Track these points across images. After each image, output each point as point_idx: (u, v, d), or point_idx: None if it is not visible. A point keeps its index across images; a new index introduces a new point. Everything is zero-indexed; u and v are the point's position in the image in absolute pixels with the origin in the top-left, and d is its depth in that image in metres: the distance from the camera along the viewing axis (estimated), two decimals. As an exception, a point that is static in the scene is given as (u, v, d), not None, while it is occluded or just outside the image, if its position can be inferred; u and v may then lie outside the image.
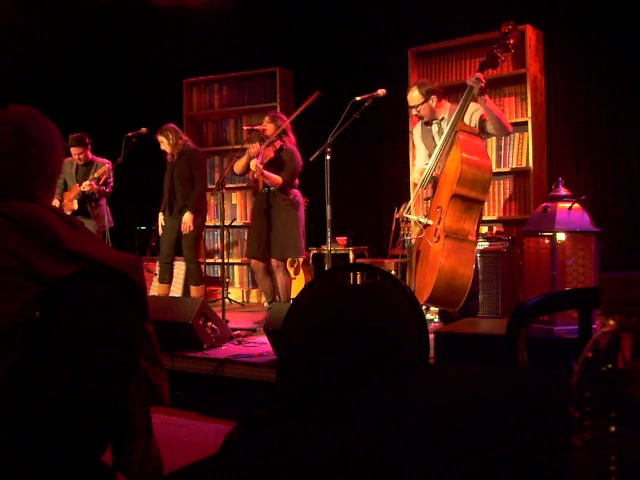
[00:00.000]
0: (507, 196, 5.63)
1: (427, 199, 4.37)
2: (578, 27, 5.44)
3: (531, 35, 5.39)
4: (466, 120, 4.27)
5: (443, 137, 4.24)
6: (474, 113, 4.30)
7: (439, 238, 4.05)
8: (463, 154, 4.00)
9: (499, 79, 5.62)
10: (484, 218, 5.61)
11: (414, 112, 4.47)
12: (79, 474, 1.51)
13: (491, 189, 5.69)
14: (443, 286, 3.98)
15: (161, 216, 5.74)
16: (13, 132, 1.58)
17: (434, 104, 4.38)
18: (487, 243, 4.57)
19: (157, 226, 5.79)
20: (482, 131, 4.31)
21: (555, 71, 5.63)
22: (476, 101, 4.30)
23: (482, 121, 4.29)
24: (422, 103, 4.38)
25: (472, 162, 4.03)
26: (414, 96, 4.40)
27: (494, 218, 5.65)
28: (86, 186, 5.84)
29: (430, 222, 4.16)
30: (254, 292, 6.95)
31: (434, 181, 4.30)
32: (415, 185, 4.48)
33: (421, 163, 4.58)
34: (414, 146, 4.89)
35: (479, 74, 4.15)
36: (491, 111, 4.21)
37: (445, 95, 4.53)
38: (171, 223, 5.65)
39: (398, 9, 6.08)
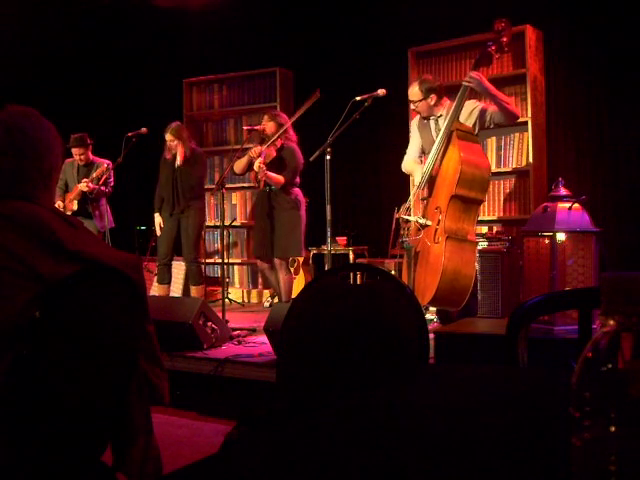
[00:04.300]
0: (507, 196, 5.63)
1: (423, 199, 4.37)
2: (578, 27, 5.43)
3: (531, 35, 5.38)
4: (467, 117, 4.27)
5: (439, 137, 4.22)
6: (473, 110, 4.31)
7: (440, 240, 4.04)
8: (462, 154, 4.00)
9: (499, 79, 5.61)
10: (484, 218, 5.64)
11: (412, 107, 4.50)
12: (79, 474, 1.51)
13: (491, 189, 5.70)
14: (446, 287, 3.98)
15: (158, 216, 5.70)
16: (7, 132, 1.58)
17: (432, 102, 4.38)
18: (487, 243, 4.56)
19: (155, 226, 5.77)
20: (484, 125, 4.31)
21: (555, 71, 5.62)
22: (479, 99, 4.30)
23: (483, 114, 4.29)
24: (420, 100, 4.39)
25: (471, 162, 4.03)
26: (414, 92, 4.42)
27: (494, 218, 5.65)
28: (84, 186, 5.83)
29: (429, 223, 4.15)
30: (254, 292, 6.95)
31: (430, 181, 4.30)
32: (410, 176, 4.48)
33: (413, 154, 4.57)
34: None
35: (473, 72, 4.20)
36: (496, 97, 4.22)
37: (446, 94, 4.53)
38: (171, 223, 5.62)
39: (398, 9, 6.07)
